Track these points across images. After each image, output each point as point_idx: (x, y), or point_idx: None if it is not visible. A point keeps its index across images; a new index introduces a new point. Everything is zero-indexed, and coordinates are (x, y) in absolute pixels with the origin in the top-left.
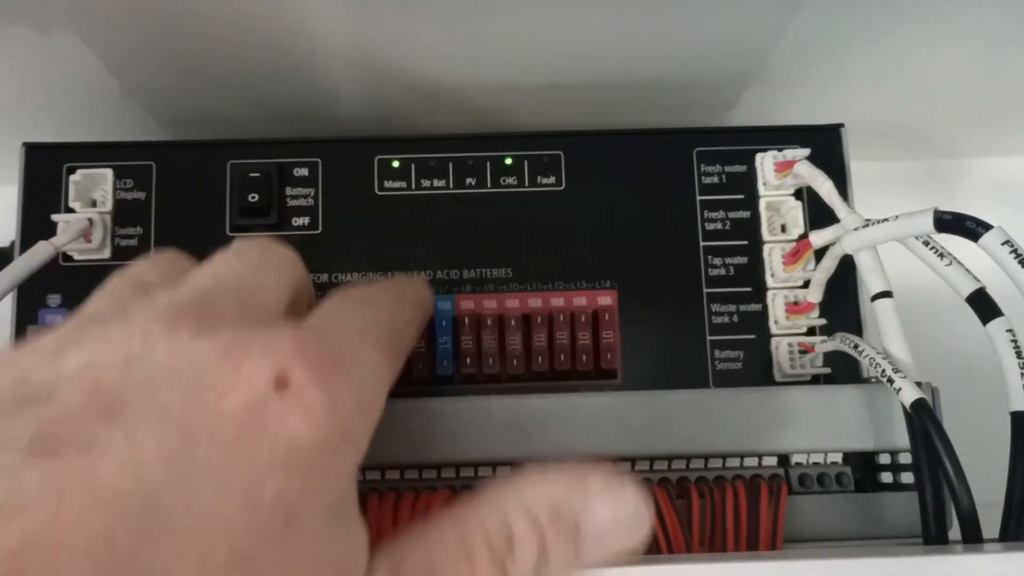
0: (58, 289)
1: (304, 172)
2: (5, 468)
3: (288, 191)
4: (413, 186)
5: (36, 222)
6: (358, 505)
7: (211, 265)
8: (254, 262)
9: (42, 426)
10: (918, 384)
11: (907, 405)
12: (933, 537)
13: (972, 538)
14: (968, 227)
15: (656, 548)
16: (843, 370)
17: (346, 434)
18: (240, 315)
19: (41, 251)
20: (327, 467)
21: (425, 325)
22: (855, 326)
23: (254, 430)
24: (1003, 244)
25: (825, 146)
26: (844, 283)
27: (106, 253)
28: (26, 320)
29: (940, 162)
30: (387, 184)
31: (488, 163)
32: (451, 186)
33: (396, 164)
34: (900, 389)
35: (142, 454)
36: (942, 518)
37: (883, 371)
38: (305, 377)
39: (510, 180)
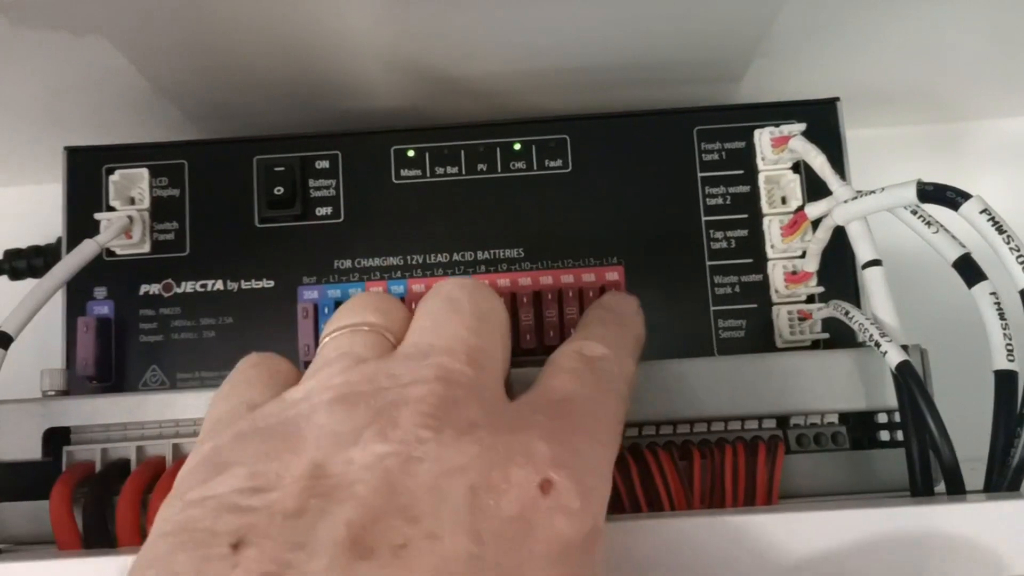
0: (103, 283)
1: (325, 164)
2: (330, 572)
3: (311, 183)
4: (428, 174)
5: (80, 220)
6: None
7: (437, 330)
8: (472, 321)
9: (354, 529)
10: (905, 347)
11: (893, 367)
12: (920, 490)
13: (955, 489)
14: (948, 197)
15: (659, 506)
16: (841, 335)
17: (597, 527)
18: (488, 408)
19: (87, 249)
20: (586, 557)
21: None
22: (852, 293)
23: (528, 530)
24: (981, 212)
25: (822, 120)
26: (841, 252)
27: (146, 247)
28: (75, 312)
29: (948, 125)
30: (403, 173)
31: (498, 149)
32: (463, 172)
33: (411, 154)
34: (886, 353)
35: (449, 557)
36: (927, 472)
37: (871, 336)
38: (566, 484)
39: (519, 165)
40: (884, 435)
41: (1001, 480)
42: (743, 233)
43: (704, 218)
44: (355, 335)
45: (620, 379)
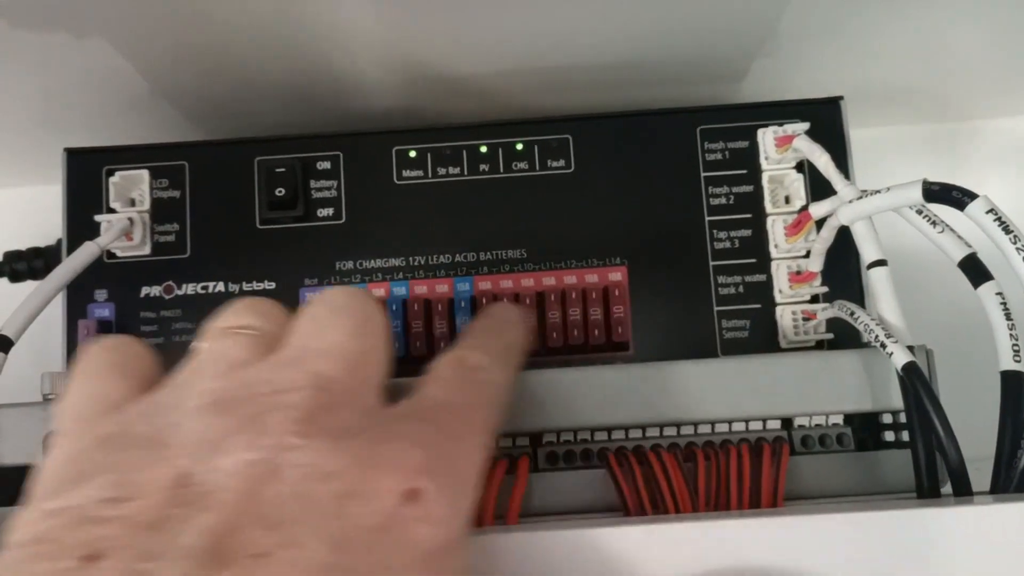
0: (104, 285)
1: (327, 165)
2: None
3: (312, 184)
4: (429, 174)
5: (80, 222)
6: None
7: (318, 335)
8: (353, 327)
9: (213, 538)
10: (910, 348)
11: (899, 368)
12: (926, 491)
13: (962, 491)
14: (955, 197)
15: (664, 509)
16: (846, 335)
17: (463, 536)
18: (362, 414)
19: (87, 251)
20: (447, 566)
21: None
22: (857, 292)
23: (391, 538)
24: (987, 212)
25: (825, 119)
26: (846, 252)
27: (146, 250)
28: (76, 315)
29: (951, 124)
30: (405, 173)
31: (500, 149)
32: (465, 173)
33: (413, 154)
34: (892, 353)
35: (309, 566)
36: (934, 473)
37: (876, 337)
38: (433, 493)
39: (521, 165)
40: (889, 436)
41: (1008, 482)
42: (747, 233)
43: (707, 218)
44: (231, 338)
45: (497, 388)
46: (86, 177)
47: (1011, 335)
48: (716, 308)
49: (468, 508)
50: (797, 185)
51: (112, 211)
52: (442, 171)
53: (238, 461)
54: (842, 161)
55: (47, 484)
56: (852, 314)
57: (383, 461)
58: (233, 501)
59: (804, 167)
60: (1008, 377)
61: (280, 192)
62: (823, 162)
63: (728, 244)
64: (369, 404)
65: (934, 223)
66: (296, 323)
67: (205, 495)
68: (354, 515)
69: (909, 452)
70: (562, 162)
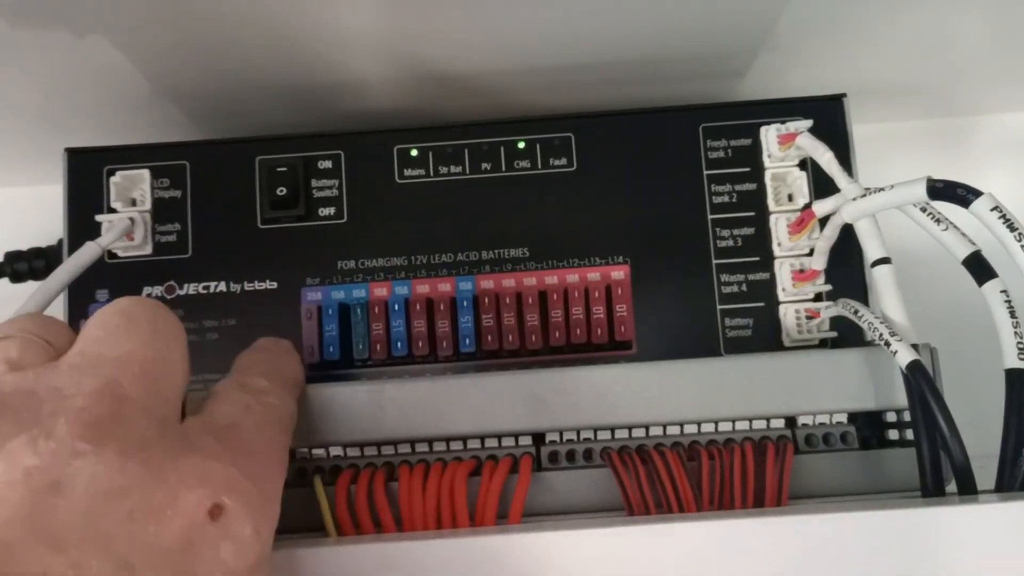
0: (105, 285)
1: (328, 164)
2: None
3: (314, 183)
4: (431, 173)
5: (81, 222)
6: None
7: (112, 343)
8: (149, 336)
9: None
10: (915, 346)
11: (903, 367)
12: (930, 490)
13: (966, 489)
14: (959, 194)
15: (668, 508)
16: (850, 333)
17: (265, 555)
18: (158, 426)
19: (88, 251)
20: None
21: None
22: (861, 291)
23: (191, 557)
24: (992, 210)
25: (828, 116)
26: (850, 250)
27: (148, 249)
28: (77, 315)
29: (953, 120)
30: (406, 172)
31: (502, 148)
32: (467, 171)
33: (414, 153)
34: (896, 352)
35: None
36: (939, 472)
37: (880, 335)
38: (238, 511)
39: (523, 163)
40: (893, 434)
41: (1013, 480)
42: (750, 231)
43: (710, 216)
44: (10, 341)
45: (283, 411)
46: (87, 177)
47: (1016, 333)
48: (719, 306)
49: (271, 529)
50: (800, 183)
51: (113, 211)
52: (444, 170)
53: (16, 468)
54: (845, 158)
55: None
56: (856, 312)
57: (183, 476)
58: (9, 517)
59: (807, 165)
60: (1013, 375)
61: (281, 191)
62: (826, 160)
63: (731, 242)
64: (167, 416)
65: (938, 220)
66: (87, 331)
67: None
68: (149, 534)
69: (913, 450)
70: (564, 160)
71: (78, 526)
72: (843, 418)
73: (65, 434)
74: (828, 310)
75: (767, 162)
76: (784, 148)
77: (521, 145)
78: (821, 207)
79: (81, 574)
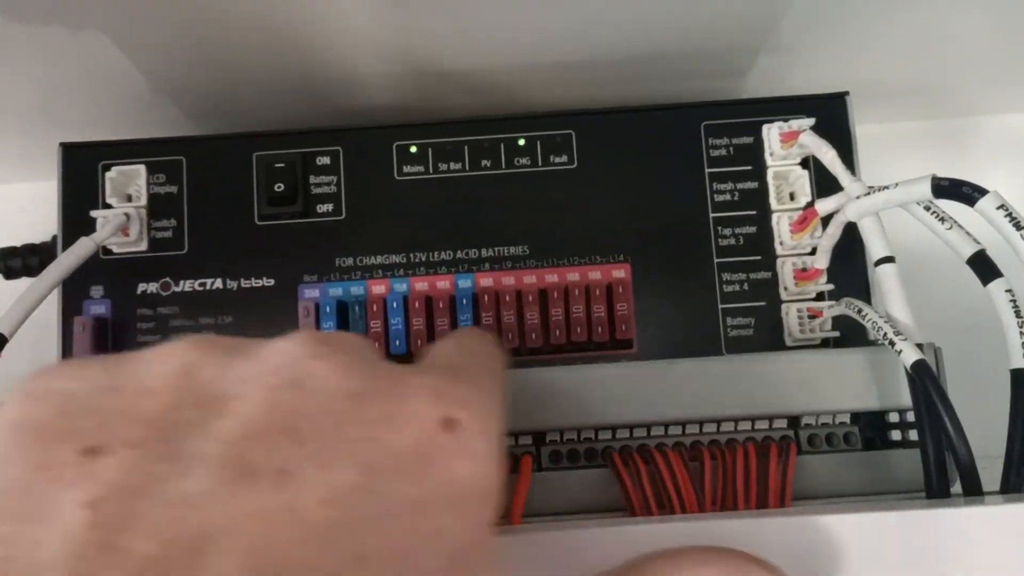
0: (100, 281)
1: (326, 160)
2: (209, 492)
3: (312, 179)
4: (431, 170)
5: (76, 218)
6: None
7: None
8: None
9: (233, 447)
10: (919, 346)
11: (908, 366)
12: (935, 491)
13: (972, 491)
14: (965, 192)
15: (670, 509)
16: (852, 333)
17: (497, 483)
18: (383, 359)
19: (83, 247)
20: (482, 514)
21: None
22: (863, 290)
23: (423, 466)
24: (998, 208)
25: (831, 114)
26: (853, 248)
27: (143, 246)
28: (71, 312)
29: (957, 120)
30: (406, 169)
31: (502, 145)
32: (467, 169)
33: (414, 149)
34: (901, 351)
35: (337, 488)
36: (944, 473)
37: (885, 334)
38: (474, 425)
39: (524, 161)
40: (896, 435)
41: (1019, 481)
42: (751, 230)
43: (712, 215)
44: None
45: (502, 361)
46: (82, 172)
47: (1021, 332)
48: (721, 305)
49: (502, 453)
50: (802, 181)
51: (108, 207)
52: (443, 167)
53: (253, 366)
54: (848, 157)
55: (43, 369)
56: (860, 311)
57: (414, 389)
58: (253, 409)
59: (809, 163)
60: (1018, 375)
61: (279, 188)
62: (829, 158)
63: (733, 241)
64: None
65: (942, 219)
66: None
67: (220, 398)
68: (385, 440)
69: (916, 451)
70: (565, 158)
71: (318, 421)
72: (846, 418)
73: (306, 338)
74: (831, 309)
75: (769, 160)
76: (786, 146)
77: (521, 142)
78: (824, 205)
79: (326, 471)
